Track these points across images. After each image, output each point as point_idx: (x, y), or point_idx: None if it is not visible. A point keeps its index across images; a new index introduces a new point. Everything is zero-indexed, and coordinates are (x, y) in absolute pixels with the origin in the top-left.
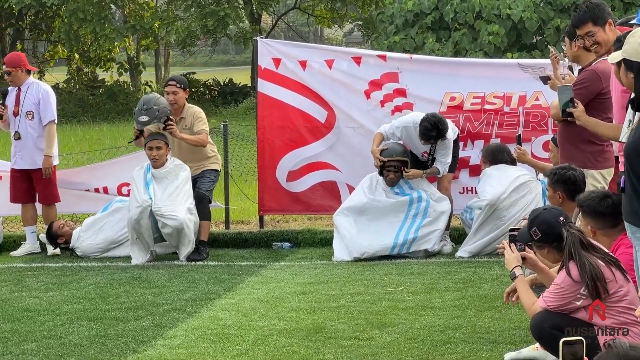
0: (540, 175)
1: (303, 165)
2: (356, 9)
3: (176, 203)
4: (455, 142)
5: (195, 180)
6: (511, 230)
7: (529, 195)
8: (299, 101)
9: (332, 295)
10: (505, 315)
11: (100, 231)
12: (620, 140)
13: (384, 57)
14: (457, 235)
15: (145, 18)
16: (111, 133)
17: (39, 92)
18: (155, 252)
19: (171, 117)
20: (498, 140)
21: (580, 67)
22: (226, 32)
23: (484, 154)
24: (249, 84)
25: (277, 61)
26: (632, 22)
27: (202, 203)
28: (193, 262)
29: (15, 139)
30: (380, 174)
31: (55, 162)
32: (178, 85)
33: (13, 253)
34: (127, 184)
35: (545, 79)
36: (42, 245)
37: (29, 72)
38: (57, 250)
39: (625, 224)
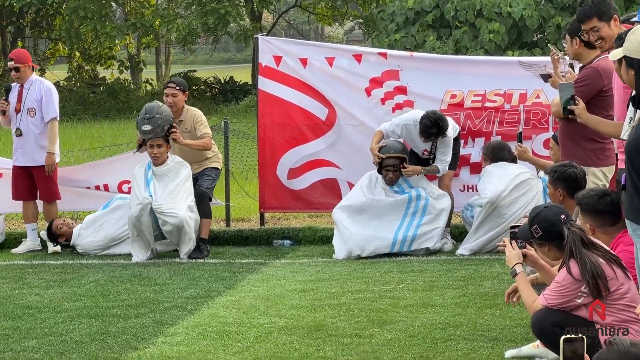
0: (541, 173)
1: (304, 163)
2: (357, 7)
3: (177, 201)
4: (456, 140)
5: (196, 178)
6: (512, 227)
7: (529, 193)
8: (299, 99)
9: (333, 293)
10: (505, 313)
11: (101, 229)
12: (621, 137)
13: (384, 55)
14: (457, 233)
15: (146, 16)
16: (112, 131)
17: (42, 89)
18: (155, 249)
19: (174, 124)
20: (499, 138)
21: (581, 65)
22: (227, 30)
23: (484, 151)
24: (250, 82)
25: (277, 59)
26: (633, 19)
27: (202, 201)
28: (194, 260)
29: (16, 136)
30: (379, 172)
31: (57, 159)
32: (177, 88)
33: (14, 250)
34: (128, 182)
35: (546, 77)
36: (43, 242)
37: (32, 69)
38: (58, 248)
39: (626, 221)
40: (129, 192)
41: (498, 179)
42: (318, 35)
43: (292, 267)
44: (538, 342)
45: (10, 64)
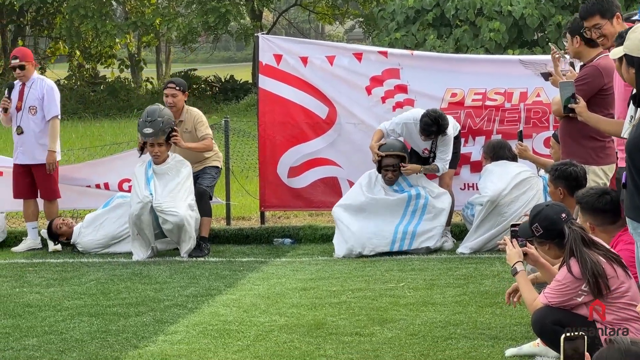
0: (542, 172)
1: (304, 162)
2: (357, 6)
3: (177, 199)
4: (457, 139)
5: (196, 177)
6: (512, 225)
7: (530, 191)
8: (300, 97)
9: (333, 291)
10: (506, 312)
11: (101, 227)
12: (621, 135)
13: (385, 54)
14: (458, 232)
15: (147, 14)
16: (112, 129)
17: (43, 87)
18: (156, 248)
19: (175, 128)
20: (499, 137)
21: (581, 63)
22: (227, 28)
23: (485, 150)
24: (250, 81)
25: (278, 57)
26: (634, 18)
27: (202, 199)
28: (194, 258)
29: (17, 134)
30: (378, 170)
31: (58, 157)
32: (177, 88)
33: (14, 249)
34: (128, 180)
35: (546, 75)
36: (43, 241)
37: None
38: (58, 247)
39: (627, 219)
40: (129, 191)
41: (499, 177)
42: (318, 34)
43: (292, 265)
44: (538, 340)
45: (15, 62)
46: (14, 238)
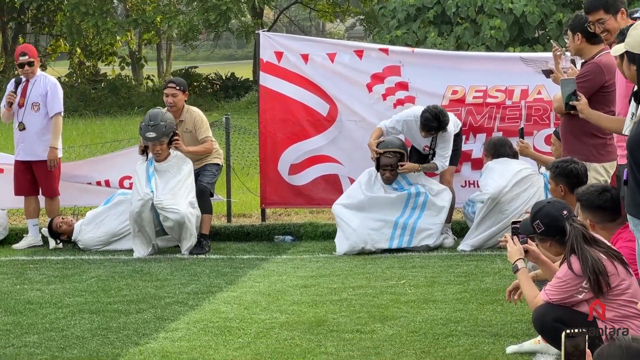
0: (543, 169)
1: (305, 159)
2: (358, 4)
3: (178, 197)
4: (458, 136)
5: (197, 174)
6: (514, 222)
7: (531, 189)
8: (301, 94)
9: (334, 289)
10: (507, 309)
11: (102, 224)
12: (623, 133)
13: (386, 51)
14: (459, 229)
15: (147, 12)
16: (113, 127)
17: (47, 84)
18: (157, 245)
19: (177, 132)
20: (500, 134)
21: (582, 61)
22: (228, 26)
23: (486, 147)
24: (251, 78)
25: (279, 54)
26: (635, 15)
27: (203, 196)
28: (195, 256)
29: (19, 130)
30: (377, 169)
31: (59, 154)
32: (177, 88)
33: (15, 246)
34: (129, 177)
35: (547, 73)
36: (44, 238)
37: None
38: (59, 244)
39: (628, 216)
40: (130, 188)
41: (499, 174)
42: (319, 32)
43: (293, 262)
44: (539, 337)
45: (24, 58)
46: (15, 235)
